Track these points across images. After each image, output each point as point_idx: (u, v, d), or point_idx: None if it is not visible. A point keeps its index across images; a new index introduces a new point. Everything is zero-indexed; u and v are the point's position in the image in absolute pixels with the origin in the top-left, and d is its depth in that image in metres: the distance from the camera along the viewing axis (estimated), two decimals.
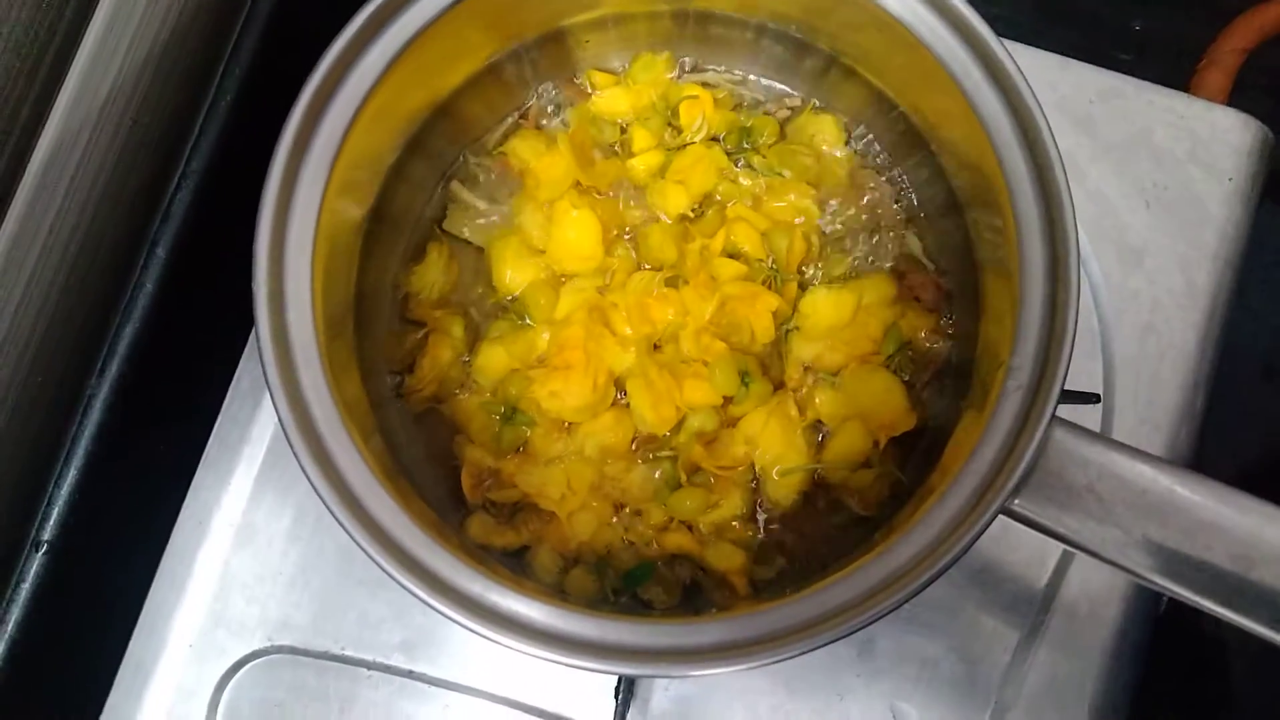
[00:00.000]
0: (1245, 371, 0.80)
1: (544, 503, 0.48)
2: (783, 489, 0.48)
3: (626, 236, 0.51)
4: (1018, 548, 0.55)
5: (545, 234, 0.50)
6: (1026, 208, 0.40)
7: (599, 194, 0.51)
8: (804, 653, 0.36)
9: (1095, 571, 0.55)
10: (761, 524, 0.49)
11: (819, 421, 0.49)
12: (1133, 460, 0.38)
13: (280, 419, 0.38)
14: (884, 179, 0.52)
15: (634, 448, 0.49)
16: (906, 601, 0.37)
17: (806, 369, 0.49)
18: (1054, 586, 0.55)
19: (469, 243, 0.52)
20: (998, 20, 0.42)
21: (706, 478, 0.48)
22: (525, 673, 0.53)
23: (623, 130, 0.53)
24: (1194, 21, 0.79)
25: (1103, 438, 0.39)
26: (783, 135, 0.53)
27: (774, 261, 0.50)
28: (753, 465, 0.49)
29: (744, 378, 0.48)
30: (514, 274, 0.50)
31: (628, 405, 0.48)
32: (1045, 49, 0.61)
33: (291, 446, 0.37)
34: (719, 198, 0.52)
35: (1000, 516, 0.38)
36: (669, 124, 0.53)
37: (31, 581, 0.53)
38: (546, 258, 0.50)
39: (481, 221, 0.52)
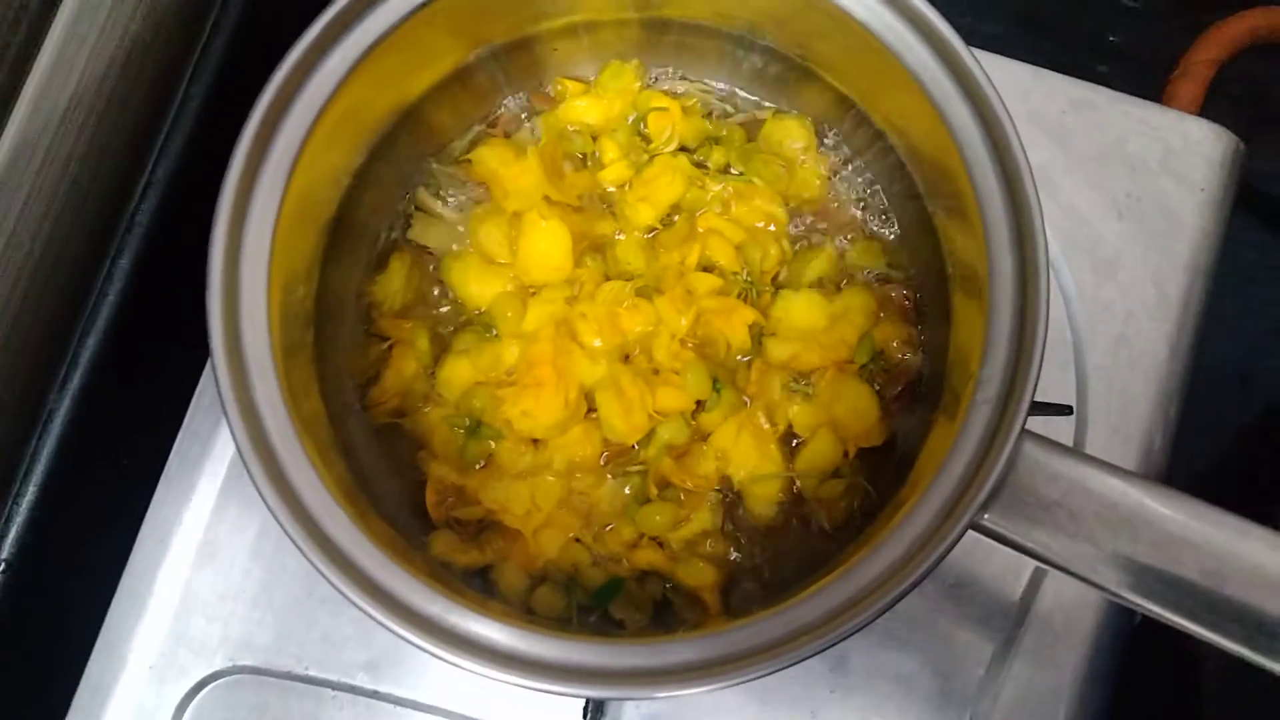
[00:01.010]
0: (1220, 380, 0.80)
1: (508, 519, 0.47)
2: (761, 503, 0.48)
3: (596, 248, 0.51)
4: (991, 560, 0.55)
5: (505, 246, 0.49)
6: (996, 218, 0.39)
7: (569, 207, 0.51)
8: (773, 672, 0.36)
9: (1070, 584, 0.53)
10: (732, 540, 0.48)
11: (790, 434, 0.49)
12: (1104, 474, 0.38)
13: (235, 439, 0.37)
14: (855, 188, 0.52)
15: (603, 462, 0.48)
16: (875, 619, 0.36)
17: (776, 369, 0.49)
18: (1028, 599, 0.55)
19: (435, 252, 0.51)
20: (972, 31, 0.42)
21: (676, 493, 0.48)
22: (492, 693, 0.52)
23: (593, 139, 0.52)
24: (1170, 33, 0.79)
25: (1074, 451, 0.38)
26: (752, 142, 0.52)
27: (749, 274, 0.49)
28: (724, 480, 0.48)
29: (715, 384, 0.47)
30: (478, 288, 0.50)
31: (597, 419, 0.48)
32: (1021, 59, 0.61)
33: (246, 467, 0.37)
34: (687, 207, 0.51)
35: (970, 532, 0.38)
36: (638, 133, 0.52)
37: None
38: (515, 269, 0.49)
39: (447, 231, 0.51)
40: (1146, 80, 0.74)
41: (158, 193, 0.56)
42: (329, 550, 0.36)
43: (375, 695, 0.52)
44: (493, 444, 0.48)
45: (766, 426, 0.48)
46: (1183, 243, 0.59)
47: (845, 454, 0.48)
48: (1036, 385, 0.37)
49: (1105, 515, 0.37)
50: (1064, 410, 0.53)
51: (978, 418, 0.38)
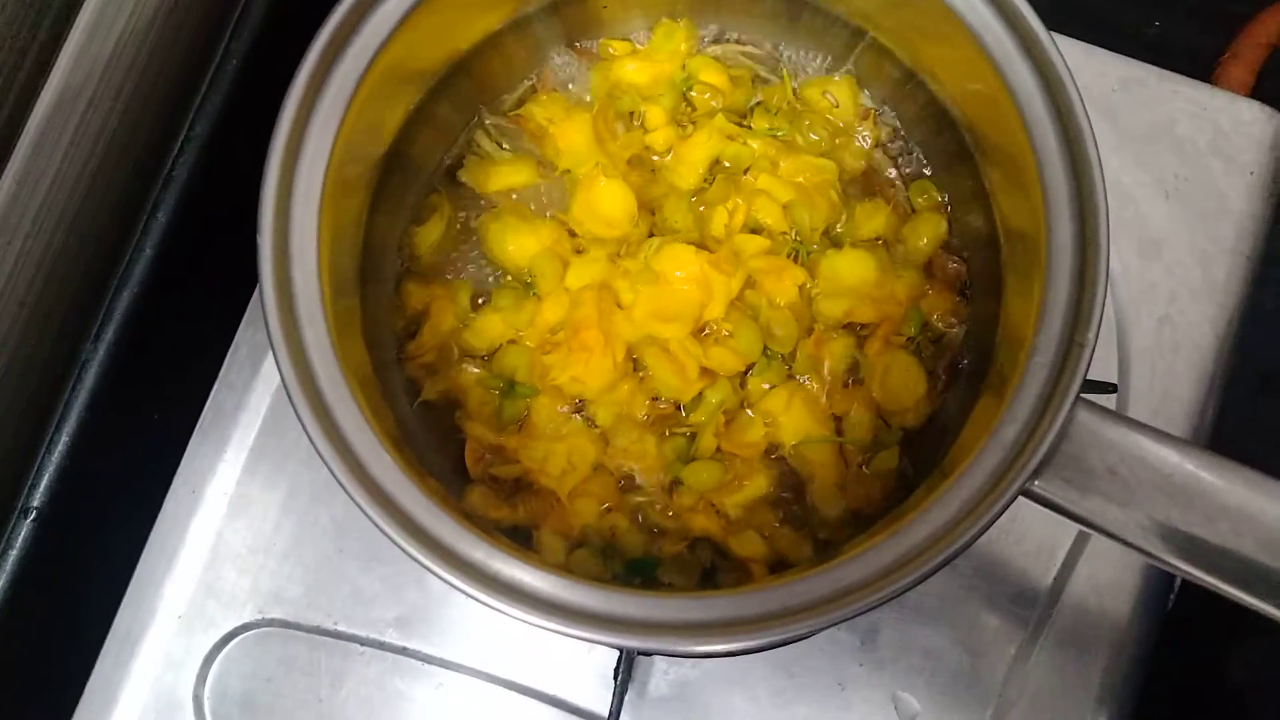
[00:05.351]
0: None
1: (544, 480, 0.46)
2: (825, 490, 0.47)
3: (646, 208, 0.50)
4: (1025, 541, 0.55)
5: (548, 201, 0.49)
6: (1056, 182, 0.39)
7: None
8: (816, 631, 0.36)
9: (1104, 567, 0.54)
10: (788, 519, 0.48)
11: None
12: (1156, 443, 0.37)
13: (282, 375, 0.36)
14: (902, 152, 0.52)
15: (649, 422, 0.47)
16: (922, 580, 0.36)
17: (830, 338, 0.48)
18: (1061, 581, 0.54)
19: (480, 203, 0.51)
20: None
21: (723, 456, 0.47)
22: (521, 653, 0.52)
23: (642, 98, 0.52)
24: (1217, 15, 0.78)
25: (1127, 419, 0.38)
26: (797, 99, 0.52)
27: (798, 234, 0.49)
28: (778, 447, 0.48)
29: (765, 349, 0.47)
30: (515, 248, 0.49)
31: (641, 377, 0.47)
32: (1069, 34, 0.60)
33: (292, 402, 0.36)
34: (728, 163, 0.50)
35: (1013, 504, 0.37)
36: (684, 98, 0.52)
37: (19, 549, 0.52)
38: (569, 219, 0.49)
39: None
40: (1195, 60, 0.73)
41: (195, 148, 0.56)
42: (373, 491, 0.36)
43: (403, 652, 0.52)
44: (528, 403, 0.48)
45: (821, 398, 0.47)
46: (1229, 225, 0.58)
47: (888, 425, 0.48)
48: (1094, 350, 0.37)
49: (1157, 484, 0.37)
50: (1109, 388, 0.52)
51: (1032, 382, 0.38)
